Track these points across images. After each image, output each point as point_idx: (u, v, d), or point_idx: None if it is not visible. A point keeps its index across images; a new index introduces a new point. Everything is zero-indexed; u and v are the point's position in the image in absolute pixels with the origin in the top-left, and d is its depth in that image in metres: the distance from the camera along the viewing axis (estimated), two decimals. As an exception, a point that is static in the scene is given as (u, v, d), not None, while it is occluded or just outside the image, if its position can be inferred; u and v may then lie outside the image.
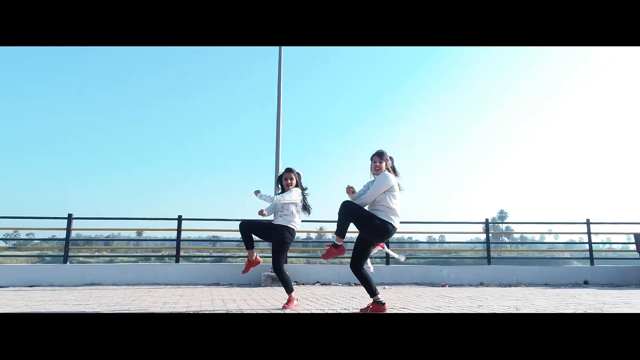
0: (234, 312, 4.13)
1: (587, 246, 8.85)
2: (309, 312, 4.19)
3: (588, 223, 8.76)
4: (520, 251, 13.17)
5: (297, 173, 4.72)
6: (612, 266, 8.49)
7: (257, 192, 4.51)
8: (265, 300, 5.33)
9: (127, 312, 4.08)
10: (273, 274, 7.41)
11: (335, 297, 5.68)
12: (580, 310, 4.21)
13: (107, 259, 11.38)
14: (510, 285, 7.80)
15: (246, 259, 4.74)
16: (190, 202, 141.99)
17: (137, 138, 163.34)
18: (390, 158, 4.06)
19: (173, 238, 8.13)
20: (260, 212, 4.58)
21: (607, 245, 12.33)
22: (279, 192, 4.77)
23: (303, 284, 7.78)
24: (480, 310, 4.27)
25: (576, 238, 12.38)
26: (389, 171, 3.97)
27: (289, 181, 4.65)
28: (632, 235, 8.21)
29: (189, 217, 8.31)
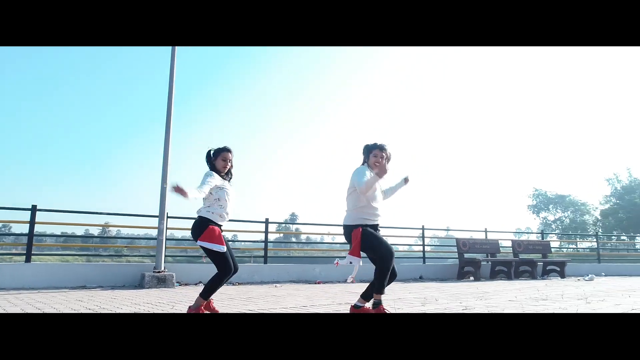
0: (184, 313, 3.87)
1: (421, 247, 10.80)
2: (289, 312, 4.23)
3: (423, 229, 10.70)
4: (306, 250, 15.29)
5: None
6: (439, 264, 10.58)
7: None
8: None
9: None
10: (158, 274, 6.84)
11: (259, 296, 5.70)
12: (474, 298, 5.36)
13: None
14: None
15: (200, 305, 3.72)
16: (50, 191, 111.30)
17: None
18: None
19: (24, 232, 6.68)
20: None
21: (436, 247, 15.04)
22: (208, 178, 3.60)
23: (186, 284, 7.39)
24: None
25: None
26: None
27: (229, 164, 3.76)
28: (454, 240, 10.41)
29: (46, 208, 6.95)
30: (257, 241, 9.86)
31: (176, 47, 7.71)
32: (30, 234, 6.66)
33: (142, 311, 4.15)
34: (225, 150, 3.72)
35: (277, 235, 28.47)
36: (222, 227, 3.70)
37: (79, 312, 4.02)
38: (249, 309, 4.33)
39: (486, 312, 4.12)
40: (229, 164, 3.75)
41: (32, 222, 6.68)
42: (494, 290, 6.73)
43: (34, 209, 6.71)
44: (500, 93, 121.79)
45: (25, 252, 6.64)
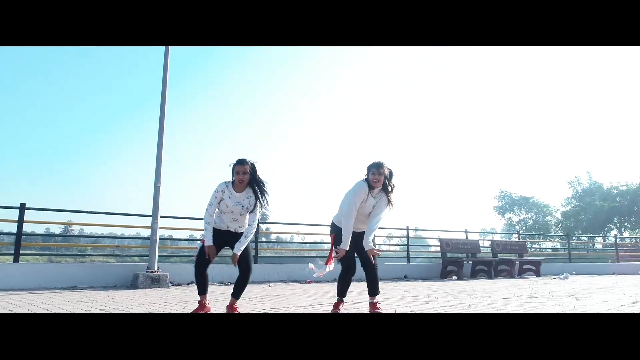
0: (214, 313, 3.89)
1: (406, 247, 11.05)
2: (297, 312, 4.30)
3: (407, 229, 10.96)
4: (277, 250, 15.54)
5: (252, 164, 3.83)
6: (422, 264, 10.86)
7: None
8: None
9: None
10: (152, 274, 6.76)
11: (259, 295, 5.74)
12: (469, 296, 5.58)
13: None
14: (359, 280, 9.11)
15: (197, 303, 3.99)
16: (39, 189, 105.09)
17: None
18: (389, 170, 3.94)
19: (12, 232, 6.45)
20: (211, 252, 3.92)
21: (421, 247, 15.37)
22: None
23: (178, 284, 7.33)
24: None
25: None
26: (387, 185, 3.90)
27: (243, 175, 3.72)
28: (437, 240, 10.72)
29: (35, 207, 6.73)
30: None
31: (169, 47, 7.63)
32: (19, 233, 6.45)
33: (154, 311, 4.13)
34: (237, 164, 3.74)
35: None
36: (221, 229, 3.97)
37: (90, 312, 3.96)
38: (262, 309, 4.38)
39: (493, 310, 4.32)
40: (243, 175, 3.71)
41: (20, 221, 6.47)
42: (483, 289, 7.01)
43: (22, 207, 6.50)
44: (466, 95, 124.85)
45: (13, 252, 6.42)
